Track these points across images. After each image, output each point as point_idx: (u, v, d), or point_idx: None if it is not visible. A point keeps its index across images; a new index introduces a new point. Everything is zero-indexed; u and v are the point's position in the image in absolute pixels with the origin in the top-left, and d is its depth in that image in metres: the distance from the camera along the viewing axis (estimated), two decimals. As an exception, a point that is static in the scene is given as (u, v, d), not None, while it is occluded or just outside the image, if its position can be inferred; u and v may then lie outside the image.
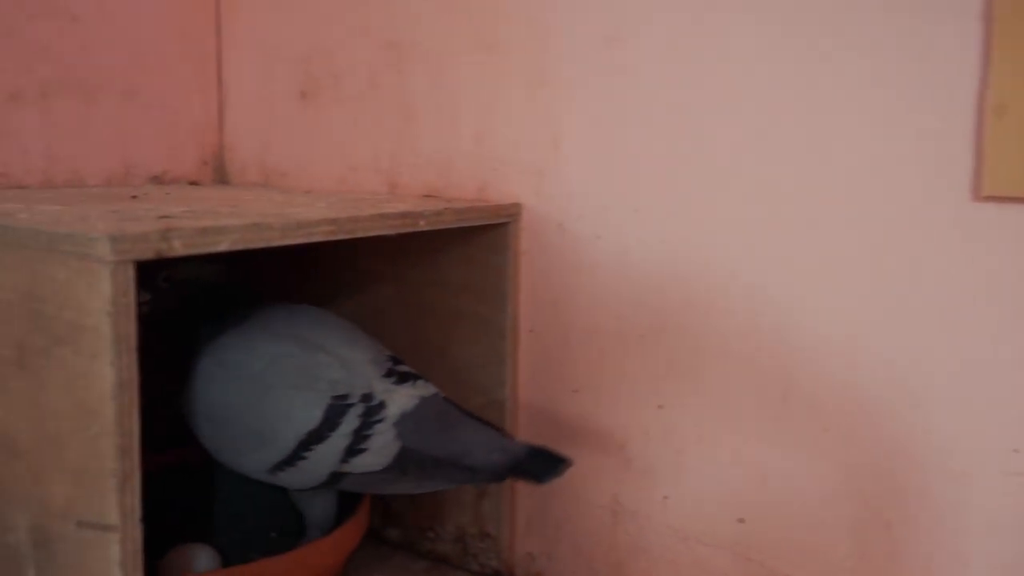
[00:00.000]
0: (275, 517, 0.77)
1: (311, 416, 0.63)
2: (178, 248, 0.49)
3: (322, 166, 0.87)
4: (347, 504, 0.72)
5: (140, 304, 0.70)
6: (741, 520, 0.66)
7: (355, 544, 0.72)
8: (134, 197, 0.72)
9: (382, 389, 0.65)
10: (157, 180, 0.90)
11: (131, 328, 0.47)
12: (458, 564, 0.79)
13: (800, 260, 0.62)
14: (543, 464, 0.63)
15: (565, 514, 0.75)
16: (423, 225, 0.65)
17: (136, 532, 0.49)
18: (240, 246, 0.52)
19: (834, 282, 0.61)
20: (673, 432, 0.68)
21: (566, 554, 0.75)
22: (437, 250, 0.77)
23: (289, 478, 0.65)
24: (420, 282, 0.79)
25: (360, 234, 0.60)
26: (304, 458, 0.64)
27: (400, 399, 0.65)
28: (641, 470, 0.70)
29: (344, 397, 0.64)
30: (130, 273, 0.47)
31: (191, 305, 0.69)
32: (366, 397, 0.64)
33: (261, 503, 0.77)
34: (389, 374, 0.66)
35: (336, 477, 0.65)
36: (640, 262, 0.68)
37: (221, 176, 0.96)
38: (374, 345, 0.69)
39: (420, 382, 0.67)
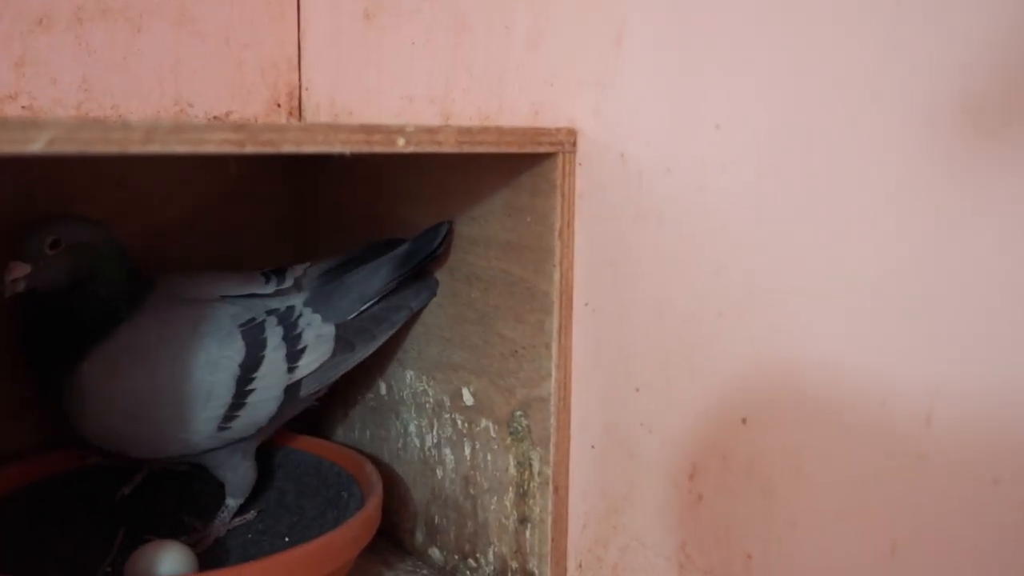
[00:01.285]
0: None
1: (235, 348, 0.59)
2: (-44, 143, 0.35)
3: (382, 99, 0.71)
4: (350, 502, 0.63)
5: (14, 280, 0.55)
6: (850, 608, 0.42)
7: (365, 543, 0.58)
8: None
9: (275, 298, 0.63)
10: (217, 122, 0.80)
11: None
12: (496, 607, 0.61)
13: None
14: (427, 238, 0.61)
15: (623, 561, 0.54)
16: (403, 146, 0.47)
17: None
18: (69, 149, 0.37)
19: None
20: (761, 460, 0.46)
21: (627, 615, 0.54)
22: (480, 198, 0.59)
23: (243, 422, 0.61)
24: (463, 238, 0.61)
25: (289, 149, 0.43)
26: (251, 390, 0.60)
27: (295, 297, 0.63)
28: (717, 513, 0.48)
29: (251, 320, 0.61)
30: None
31: (83, 279, 0.58)
32: (270, 311, 0.62)
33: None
34: (268, 280, 0.64)
35: (292, 390, 0.61)
36: (720, 205, 0.46)
37: (297, 119, 0.83)
38: (241, 272, 0.66)
39: (296, 267, 0.66)
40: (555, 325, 0.55)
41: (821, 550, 0.43)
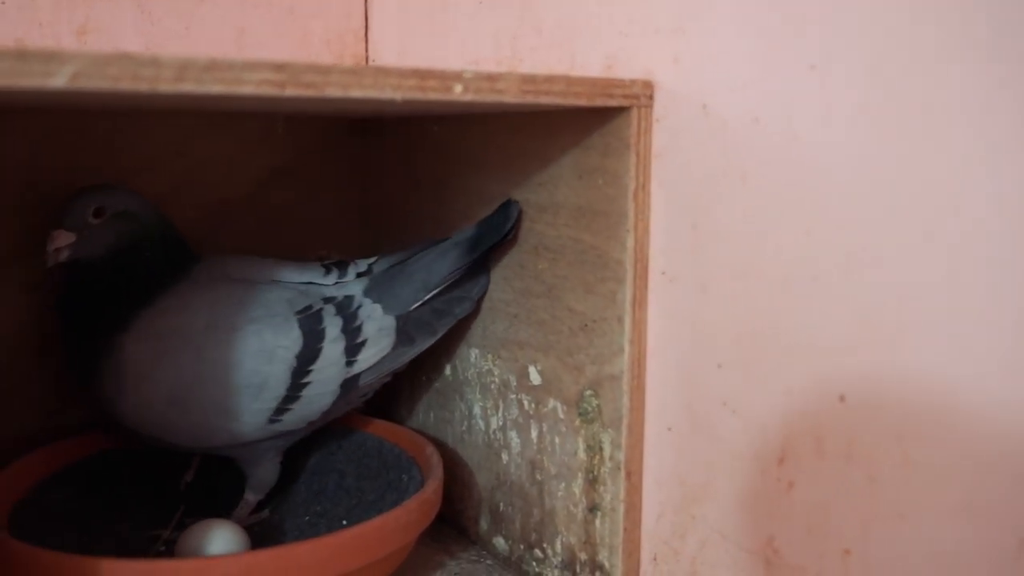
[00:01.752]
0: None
1: (291, 338, 0.55)
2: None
3: (447, 67, 0.68)
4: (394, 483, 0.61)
5: (57, 249, 0.53)
6: (968, 614, 0.36)
7: (422, 527, 0.54)
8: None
9: (334, 286, 0.60)
10: (283, 95, 0.77)
11: None
12: (563, 602, 0.56)
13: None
14: (497, 221, 0.57)
15: (702, 554, 0.49)
16: (460, 93, 0.43)
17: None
18: (94, 85, 0.34)
19: None
20: (862, 443, 0.40)
21: (706, 615, 0.49)
22: (548, 161, 0.55)
23: (296, 415, 0.57)
24: (530, 205, 0.57)
25: (333, 93, 0.39)
26: (307, 383, 0.56)
27: (356, 284, 0.60)
28: (810, 503, 0.43)
29: (308, 308, 0.57)
30: None
31: (125, 248, 0.55)
32: (327, 300, 0.58)
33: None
34: (328, 272, 0.61)
35: (348, 384, 0.58)
36: (816, 156, 0.41)
37: (364, 93, 0.80)
38: (298, 262, 0.62)
39: (360, 261, 0.62)
40: (628, 296, 0.50)
41: (933, 547, 0.37)
